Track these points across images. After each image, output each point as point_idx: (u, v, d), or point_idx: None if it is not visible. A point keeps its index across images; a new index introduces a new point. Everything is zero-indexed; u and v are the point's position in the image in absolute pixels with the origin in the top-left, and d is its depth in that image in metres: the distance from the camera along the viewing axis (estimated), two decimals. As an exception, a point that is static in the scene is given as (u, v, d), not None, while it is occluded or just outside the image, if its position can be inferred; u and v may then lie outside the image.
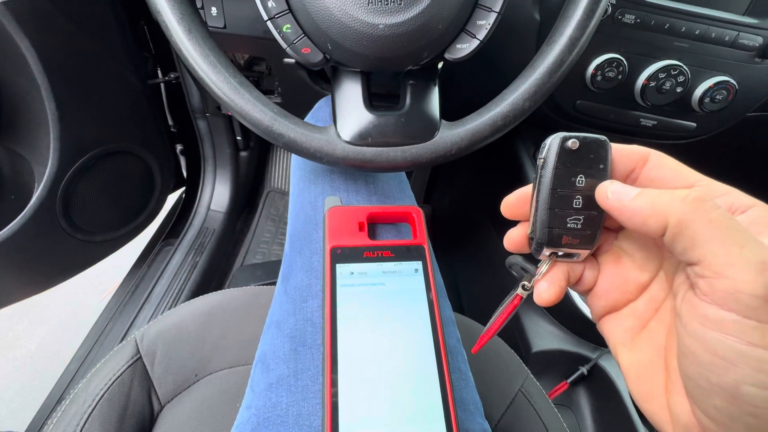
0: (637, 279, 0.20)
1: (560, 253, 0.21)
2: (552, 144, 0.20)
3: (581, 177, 0.20)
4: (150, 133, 0.78)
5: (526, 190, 0.22)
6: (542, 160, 0.21)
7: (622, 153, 0.20)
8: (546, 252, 0.21)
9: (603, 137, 0.20)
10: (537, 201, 0.21)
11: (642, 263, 0.20)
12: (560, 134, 0.20)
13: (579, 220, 0.20)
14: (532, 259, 0.22)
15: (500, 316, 0.23)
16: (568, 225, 0.20)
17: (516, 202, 0.22)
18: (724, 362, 0.14)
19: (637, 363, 0.19)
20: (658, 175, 0.19)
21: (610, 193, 0.18)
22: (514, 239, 0.23)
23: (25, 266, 0.65)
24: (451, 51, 0.32)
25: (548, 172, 0.20)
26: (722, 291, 0.14)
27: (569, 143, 0.20)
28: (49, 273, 0.71)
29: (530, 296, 0.22)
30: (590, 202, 0.20)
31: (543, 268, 0.21)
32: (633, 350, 0.20)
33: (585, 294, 0.22)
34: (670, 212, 0.16)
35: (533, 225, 0.21)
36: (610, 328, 0.21)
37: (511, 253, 0.24)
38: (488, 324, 0.23)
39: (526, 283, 0.22)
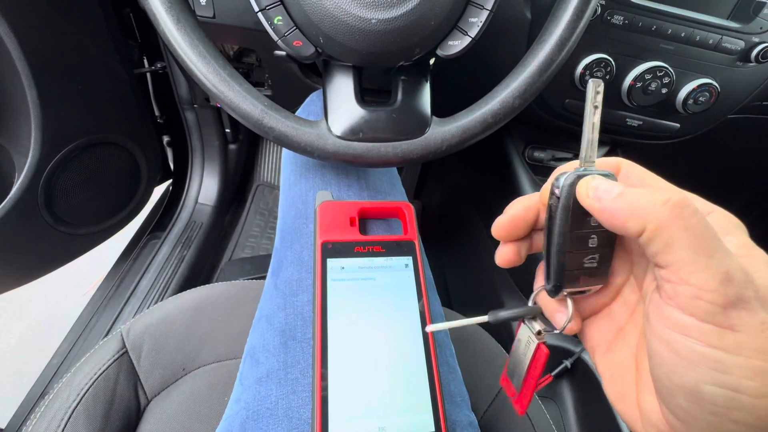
0: (610, 283, 0.21)
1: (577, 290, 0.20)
2: (565, 184, 0.19)
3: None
4: (136, 124, 0.76)
5: (518, 212, 0.21)
6: (556, 200, 0.19)
7: (597, 164, 0.20)
8: (564, 292, 0.20)
9: (610, 172, 0.19)
10: (553, 244, 0.20)
11: (615, 268, 0.21)
12: (574, 174, 0.19)
13: (595, 258, 0.19)
14: (515, 297, 0.21)
15: (531, 373, 0.21)
16: (585, 265, 0.19)
17: (507, 225, 0.22)
18: (685, 362, 0.15)
19: (612, 364, 0.20)
20: (626, 184, 0.19)
21: (591, 191, 0.18)
22: (505, 255, 0.22)
23: (4, 258, 0.63)
24: (443, 48, 0.32)
25: (564, 214, 0.19)
26: (684, 296, 0.15)
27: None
28: (30, 266, 0.69)
29: (511, 292, 0.22)
30: (604, 239, 0.19)
31: (569, 310, 0.20)
32: (608, 352, 0.20)
33: None
34: (649, 217, 0.16)
35: (548, 267, 0.20)
36: (589, 332, 0.21)
37: (498, 304, 0.23)
38: (522, 383, 0.22)
39: (542, 328, 0.21)
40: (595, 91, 0.19)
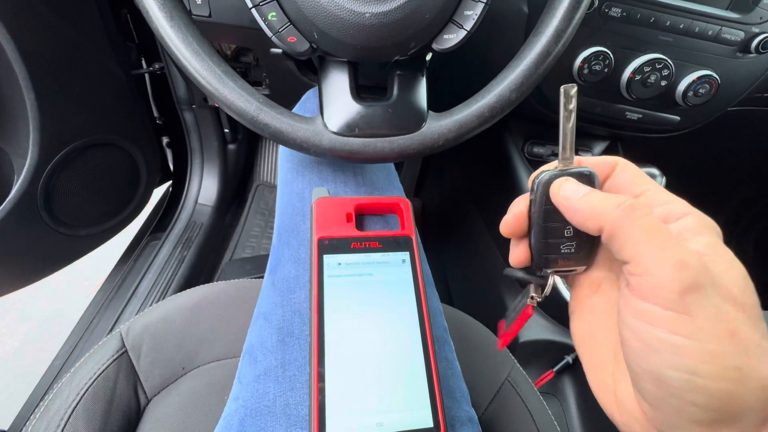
0: (590, 276, 0.22)
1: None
2: (540, 182, 0.21)
3: None
4: (135, 125, 0.76)
5: (520, 207, 0.23)
6: (534, 195, 0.21)
7: (597, 163, 0.22)
8: (548, 270, 0.22)
9: (588, 170, 0.21)
10: (531, 233, 0.22)
11: (597, 261, 0.22)
12: (549, 173, 0.21)
13: (572, 245, 0.21)
14: (515, 292, 0.23)
15: (516, 323, 0.24)
16: (562, 251, 0.21)
17: (513, 222, 0.23)
18: (649, 348, 0.17)
19: (594, 357, 0.21)
20: (620, 181, 0.21)
21: (561, 190, 0.20)
22: (518, 257, 0.24)
23: (5, 261, 0.63)
24: (439, 41, 0.32)
25: (538, 210, 0.21)
26: (647, 287, 0.17)
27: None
28: (32, 268, 0.69)
29: (512, 287, 0.23)
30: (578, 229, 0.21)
31: (549, 284, 0.23)
32: (592, 345, 0.21)
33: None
34: (605, 217, 0.18)
35: (530, 251, 0.22)
36: (575, 326, 0.22)
37: (508, 266, 0.25)
38: (507, 328, 0.25)
39: (534, 295, 0.24)
40: (568, 96, 0.20)
